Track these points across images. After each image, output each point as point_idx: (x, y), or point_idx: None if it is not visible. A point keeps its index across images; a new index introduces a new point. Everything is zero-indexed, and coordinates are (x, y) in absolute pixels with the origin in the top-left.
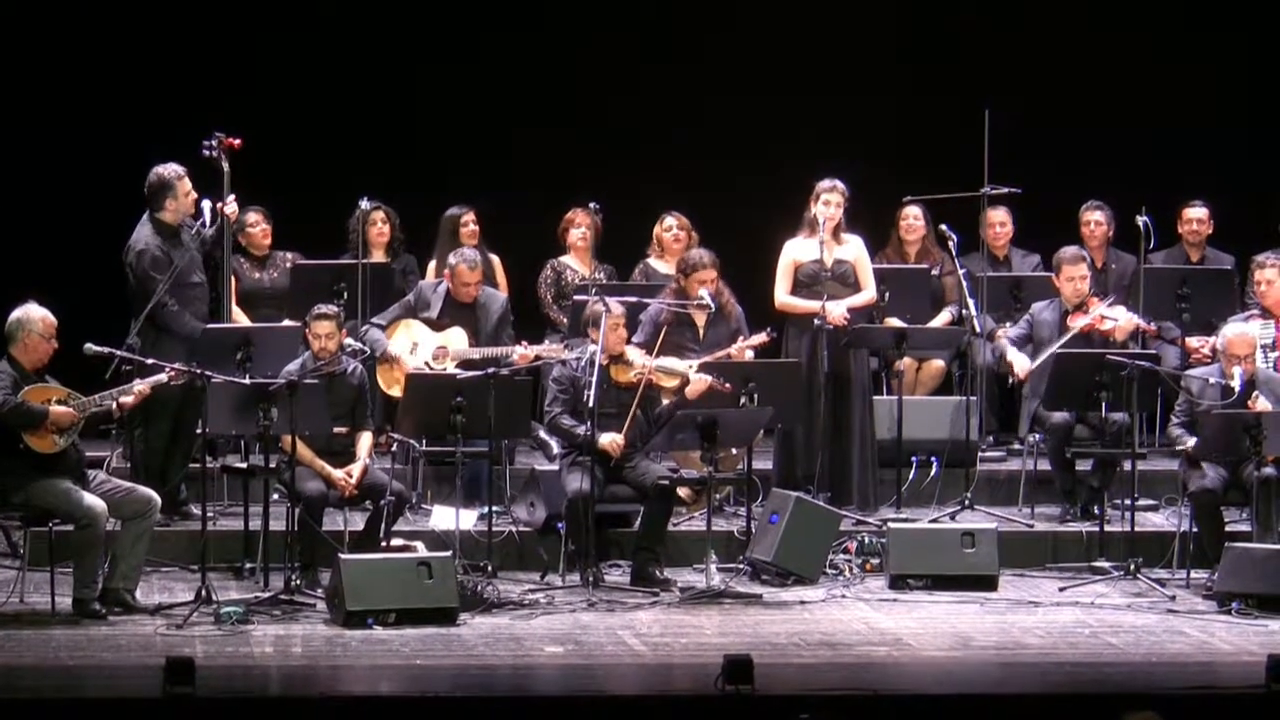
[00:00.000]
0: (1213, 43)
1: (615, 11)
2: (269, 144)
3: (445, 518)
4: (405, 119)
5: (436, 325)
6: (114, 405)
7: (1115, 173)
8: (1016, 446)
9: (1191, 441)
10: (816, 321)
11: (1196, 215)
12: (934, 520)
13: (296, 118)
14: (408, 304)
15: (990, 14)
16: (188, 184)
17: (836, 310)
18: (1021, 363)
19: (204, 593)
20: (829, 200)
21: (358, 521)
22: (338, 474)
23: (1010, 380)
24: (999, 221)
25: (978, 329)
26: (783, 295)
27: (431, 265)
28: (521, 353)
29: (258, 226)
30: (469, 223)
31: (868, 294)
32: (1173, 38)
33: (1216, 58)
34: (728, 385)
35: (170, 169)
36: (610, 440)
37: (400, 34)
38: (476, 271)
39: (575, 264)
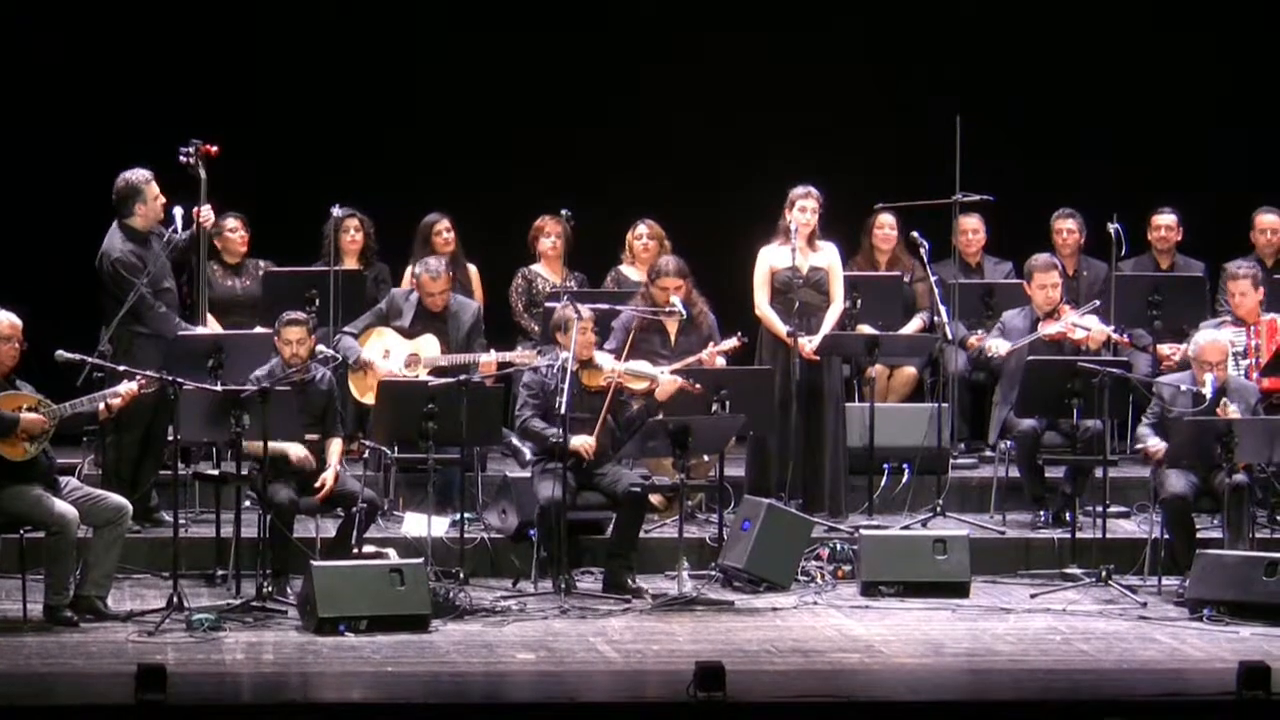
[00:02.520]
0: (1183, 48)
1: (596, 16)
2: (244, 150)
3: (417, 525)
4: (383, 124)
5: (408, 333)
6: (102, 406)
7: (1087, 180)
8: (988, 453)
9: (1152, 440)
10: (789, 329)
11: (1166, 222)
12: (906, 527)
13: (273, 124)
14: (380, 312)
15: (962, 21)
16: (155, 188)
17: (807, 347)
18: (999, 345)
19: (176, 600)
20: (804, 207)
21: (329, 528)
22: (302, 452)
23: (992, 358)
24: (971, 229)
25: (949, 336)
26: (762, 305)
27: (407, 273)
28: (486, 359)
29: (237, 233)
30: (443, 230)
31: (835, 309)
32: (1143, 43)
33: (1187, 63)
34: (698, 386)
35: (137, 174)
36: (582, 442)
37: (382, 37)
38: (440, 280)
39: (546, 272)
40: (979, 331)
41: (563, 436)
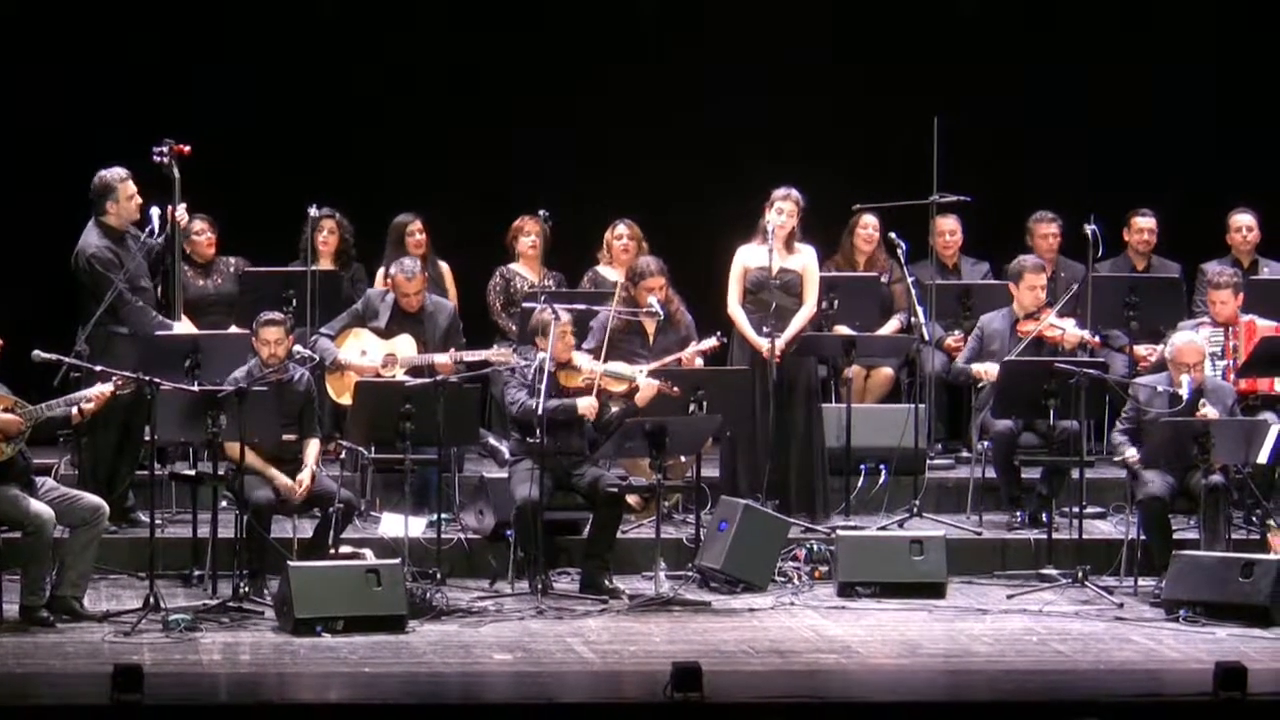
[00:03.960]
0: (1160, 49)
1: (575, 14)
2: (222, 149)
3: (394, 525)
4: (360, 123)
5: (385, 334)
6: (75, 410)
7: (1062, 181)
8: (965, 454)
9: (1130, 451)
10: (765, 329)
11: (1148, 225)
12: (882, 528)
13: (251, 122)
14: (356, 312)
15: (941, 23)
16: (131, 187)
17: (777, 346)
18: (988, 369)
19: (152, 600)
20: (781, 209)
21: (306, 529)
22: (285, 480)
23: (978, 383)
24: (949, 230)
25: (926, 337)
26: (733, 305)
27: (380, 273)
28: (442, 360)
29: (203, 235)
30: (415, 231)
31: (806, 311)
32: (1117, 44)
33: (1165, 63)
34: (676, 389)
35: (114, 172)
36: (588, 405)
37: (363, 33)
38: (415, 281)
39: (524, 271)
40: (956, 332)
41: (541, 439)
